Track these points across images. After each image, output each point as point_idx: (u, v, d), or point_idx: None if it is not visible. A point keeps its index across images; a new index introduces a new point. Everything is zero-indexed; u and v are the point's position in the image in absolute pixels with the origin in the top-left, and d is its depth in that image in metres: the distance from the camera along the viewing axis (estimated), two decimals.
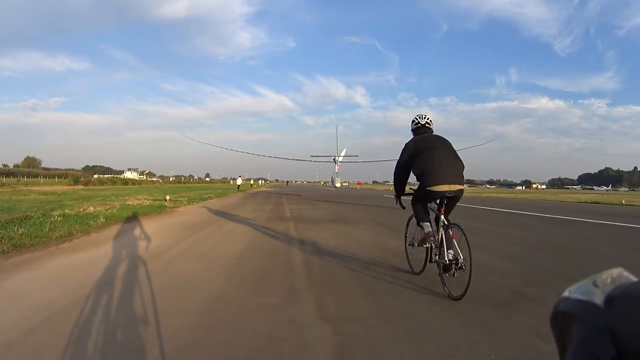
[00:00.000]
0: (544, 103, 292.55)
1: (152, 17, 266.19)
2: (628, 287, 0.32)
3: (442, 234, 3.27)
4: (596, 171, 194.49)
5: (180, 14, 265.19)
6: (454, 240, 3.15)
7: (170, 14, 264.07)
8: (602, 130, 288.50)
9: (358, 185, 58.01)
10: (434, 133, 3.70)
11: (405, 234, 4.01)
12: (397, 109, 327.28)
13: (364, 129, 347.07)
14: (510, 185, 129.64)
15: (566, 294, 0.36)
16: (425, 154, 3.41)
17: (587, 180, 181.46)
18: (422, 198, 3.49)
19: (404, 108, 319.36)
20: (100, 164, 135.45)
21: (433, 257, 3.34)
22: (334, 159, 31.64)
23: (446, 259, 3.12)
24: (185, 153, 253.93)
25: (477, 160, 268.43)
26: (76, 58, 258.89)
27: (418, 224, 3.55)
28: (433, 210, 3.48)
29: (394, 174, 3.72)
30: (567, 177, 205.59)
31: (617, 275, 0.35)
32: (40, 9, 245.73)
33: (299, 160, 48.63)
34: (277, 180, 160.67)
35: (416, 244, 3.63)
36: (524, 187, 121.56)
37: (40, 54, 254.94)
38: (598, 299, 0.33)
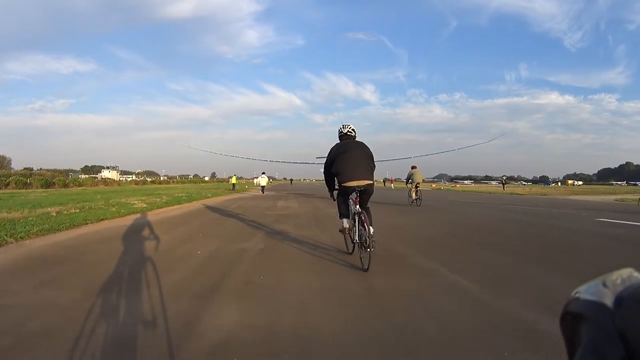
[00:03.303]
0: (554, 99, 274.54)
1: (159, 17, 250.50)
2: (638, 287, 0.31)
3: (356, 220, 3.84)
4: (616, 166, 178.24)
5: (188, 13, 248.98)
6: (365, 224, 3.72)
7: (177, 14, 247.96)
8: (613, 126, 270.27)
9: (392, 184, 43.38)
10: (356, 139, 4.29)
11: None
12: (406, 106, 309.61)
13: (373, 126, 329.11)
14: (547, 181, 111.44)
15: (575, 294, 0.34)
16: (341, 156, 4.04)
17: (607, 175, 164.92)
18: (341, 193, 4.12)
19: (413, 105, 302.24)
20: (102, 164, 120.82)
21: (353, 239, 3.87)
22: None
23: (357, 239, 3.78)
24: (193, 153, 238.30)
25: (487, 157, 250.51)
26: (83, 60, 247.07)
27: (339, 217, 4.21)
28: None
29: (324, 173, 4.36)
30: (583, 172, 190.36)
31: (627, 275, 0.33)
32: (45, 12, 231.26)
33: (304, 163, 38.22)
34: (284, 179, 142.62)
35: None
36: (559, 183, 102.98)
37: (46, 56, 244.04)
38: (607, 299, 0.31)
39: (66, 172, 74.14)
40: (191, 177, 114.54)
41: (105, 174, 78.98)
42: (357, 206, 3.88)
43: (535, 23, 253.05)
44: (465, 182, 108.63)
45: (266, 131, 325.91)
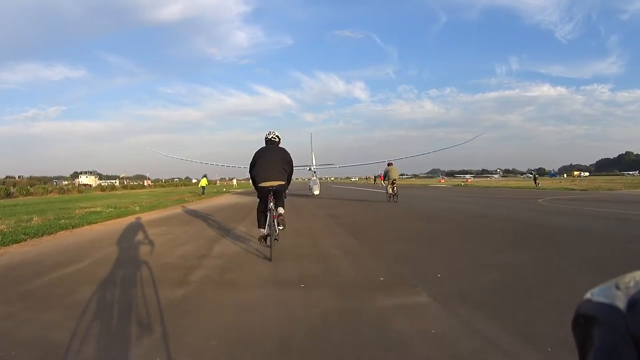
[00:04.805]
0: (546, 90, 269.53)
1: (148, 22, 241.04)
2: None
3: (269, 215, 4.50)
4: (615, 156, 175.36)
5: (176, 16, 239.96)
6: (275, 219, 4.47)
7: (166, 17, 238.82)
8: (607, 116, 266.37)
9: (383, 181, 38.98)
10: (280, 145, 4.97)
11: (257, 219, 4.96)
12: (397, 102, 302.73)
13: (364, 124, 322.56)
14: (552, 174, 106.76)
15: (588, 296, 0.34)
16: (259, 160, 4.71)
17: (605, 166, 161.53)
18: (259, 193, 4.71)
19: (404, 101, 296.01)
20: (96, 170, 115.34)
21: (266, 232, 4.56)
22: (309, 168, 26.97)
23: (265, 232, 4.55)
24: (186, 155, 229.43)
25: (480, 151, 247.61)
26: (73, 67, 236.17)
27: (258, 227, 4.85)
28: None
29: (249, 173, 4.91)
30: (580, 163, 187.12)
31: None
32: (35, 20, 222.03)
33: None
34: None
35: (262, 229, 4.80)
36: (565, 175, 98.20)
37: (38, 65, 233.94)
38: (620, 302, 0.30)
39: (46, 179, 67.56)
40: (180, 180, 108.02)
41: (83, 179, 72.17)
42: (272, 203, 4.54)
43: (526, 16, 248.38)
44: (467, 176, 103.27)
45: (256, 132, 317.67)
